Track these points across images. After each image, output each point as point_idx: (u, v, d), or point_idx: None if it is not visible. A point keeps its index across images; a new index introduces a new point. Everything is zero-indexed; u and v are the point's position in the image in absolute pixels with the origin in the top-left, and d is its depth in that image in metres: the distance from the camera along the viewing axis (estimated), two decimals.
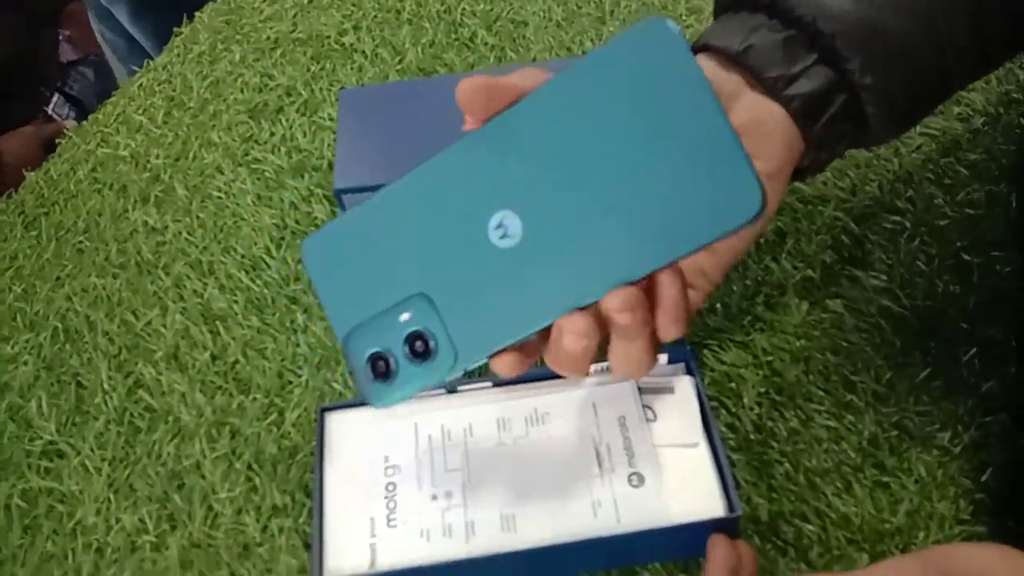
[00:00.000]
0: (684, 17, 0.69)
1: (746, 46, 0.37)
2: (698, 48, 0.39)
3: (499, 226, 0.31)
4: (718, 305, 0.52)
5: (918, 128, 0.58)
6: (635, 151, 0.30)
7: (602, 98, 0.30)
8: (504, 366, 0.33)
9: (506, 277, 0.32)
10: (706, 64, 0.38)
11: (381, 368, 0.33)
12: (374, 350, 0.33)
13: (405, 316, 0.33)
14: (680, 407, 0.45)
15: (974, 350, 0.49)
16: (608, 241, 0.30)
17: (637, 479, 0.43)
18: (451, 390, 0.47)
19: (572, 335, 0.31)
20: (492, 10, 0.73)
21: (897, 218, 0.54)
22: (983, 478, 0.45)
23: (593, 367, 0.46)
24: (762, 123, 0.37)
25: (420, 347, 0.33)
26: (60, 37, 1.18)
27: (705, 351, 0.51)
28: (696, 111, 0.29)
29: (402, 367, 0.33)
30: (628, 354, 0.32)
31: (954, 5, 0.37)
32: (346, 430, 0.46)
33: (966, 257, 0.52)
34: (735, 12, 0.39)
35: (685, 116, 0.29)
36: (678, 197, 0.30)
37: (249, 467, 0.49)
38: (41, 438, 0.53)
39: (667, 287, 0.31)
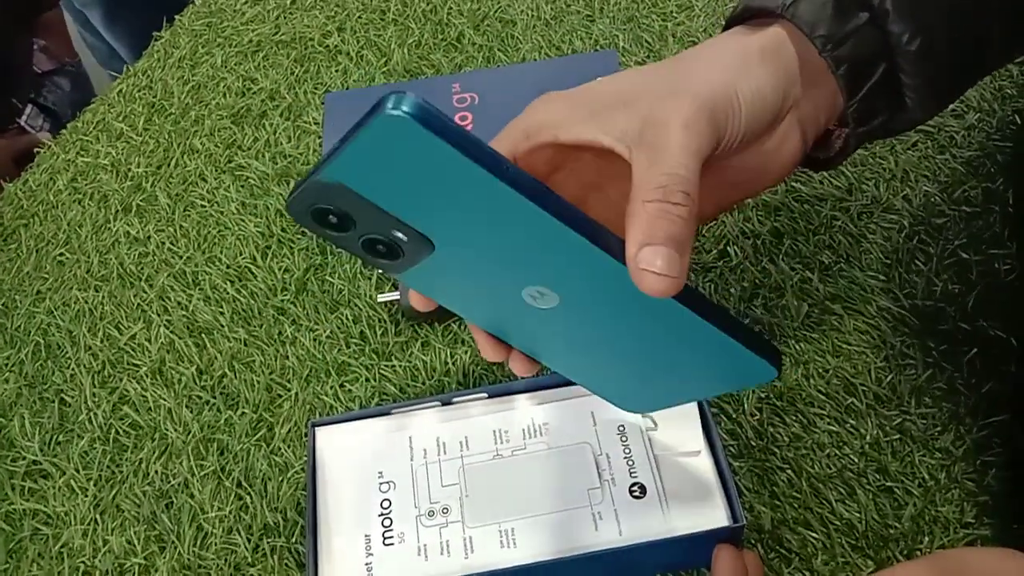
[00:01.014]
0: (675, 13, 0.68)
1: (793, 0, 0.34)
2: (735, 18, 0.37)
3: (538, 292, 0.30)
4: None
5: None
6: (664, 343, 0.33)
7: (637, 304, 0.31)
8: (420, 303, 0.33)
9: (509, 304, 0.31)
10: (741, 33, 0.36)
11: (330, 219, 0.28)
12: (343, 202, 0.27)
13: (398, 233, 0.28)
14: (680, 414, 0.44)
15: (975, 350, 0.48)
16: (624, 379, 0.35)
17: (639, 489, 0.42)
18: (446, 402, 0.46)
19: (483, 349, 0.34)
20: (479, 9, 0.72)
21: (894, 217, 0.54)
22: (986, 480, 0.44)
23: None
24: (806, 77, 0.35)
25: (383, 250, 0.29)
26: (35, 47, 1.15)
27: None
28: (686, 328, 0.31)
29: (350, 240, 0.29)
30: None
31: None
32: (338, 445, 0.45)
33: (964, 255, 0.52)
34: None
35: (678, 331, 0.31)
36: (701, 362, 0.33)
37: (239, 485, 0.48)
38: (24, 458, 0.51)
39: None
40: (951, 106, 0.58)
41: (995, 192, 0.54)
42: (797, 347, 0.50)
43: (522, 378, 0.43)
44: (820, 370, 0.49)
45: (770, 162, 0.36)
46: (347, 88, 0.68)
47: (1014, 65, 0.60)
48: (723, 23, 0.39)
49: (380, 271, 0.55)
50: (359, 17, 0.74)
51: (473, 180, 0.26)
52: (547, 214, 0.27)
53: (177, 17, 0.79)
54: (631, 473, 0.42)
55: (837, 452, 0.46)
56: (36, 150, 0.72)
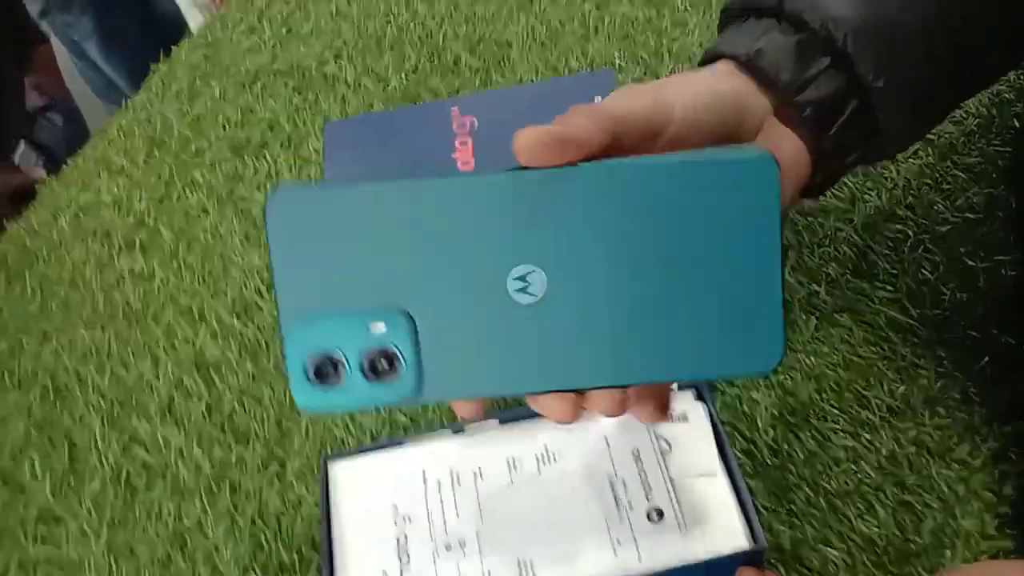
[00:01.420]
0: (670, 30, 0.68)
1: (756, 49, 0.36)
2: (709, 59, 0.38)
3: (522, 279, 0.30)
4: None
5: None
6: (682, 266, 0.30)
7: (675, 204, 0.29)
8: (466, 410, 0.32)
9: (509, 330, 0.30)
10: (726, 75, 0.37)
11: (326, 370, 0.30)
12: (324, 350, 0.29)
13: (378, 327, 0.30)
14: (695, 436, 0.44)
15: (986, 358, 0.48)
16: (619, 342, 0.30)
17: (656, 514, 0.41)
18: (457, 430, 0.46)
19: (553, 414, 0.31)
20: (475, 32, 0.72)
21: (899, 226, 0.54)
22: (1005, 490, 0.44)
23: None
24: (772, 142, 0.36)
25: (383, 366, 0.30)
26: (26, 84, 1.16)
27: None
28: (757, 254, 0.29)
29: (351, 378, 0.30)
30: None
31: None
32: (352, 480, 0.44)
33: (971, 262, 0.51)
34: (743, 21, 0.38)
35: (743, 254, 0.29)
36: (706, 326, 0.30)
37: (252, 523, 0.48)
38: (36, 503, 0.51)
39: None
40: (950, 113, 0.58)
41: (998, 198, 0.54)
42: (808, 361, 0.49)
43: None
44: (832, 384, 0.48)
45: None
46: (346, 116, 0.68)
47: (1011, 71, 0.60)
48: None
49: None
50: (356, 45, 0.74)
51: (387, 199, 0.27)
52: (470, 177, 0.27)
53: (174, 49, 0.80)
54: (648, 497, 0.42)
55: (853, 467, 0.46)
56: (36, 185, 0.72)
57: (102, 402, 0.55)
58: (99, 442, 0.53)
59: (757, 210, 0.29)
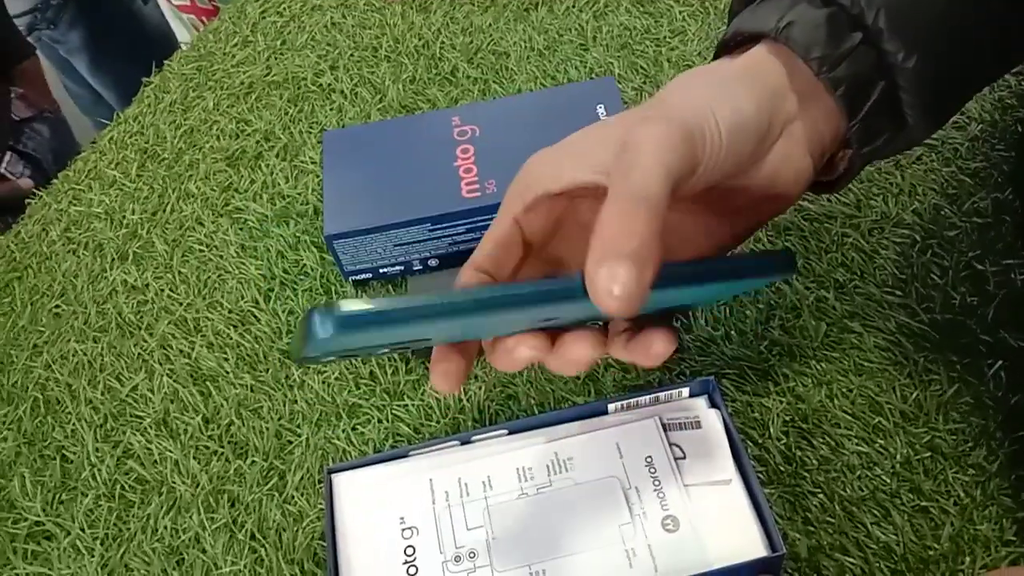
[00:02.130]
0: (668, 39, 0.68)
1: (787, 23, 0.34)
2: (726, 42, 0.37)
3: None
4: (733, 332, 0.50)
5: None
6: None
7: None
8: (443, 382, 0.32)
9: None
10: (722, 61, 0.36)
11: None
12: None
13: None
14: (709, 442, 0.43)
15: (999, 362, 0.47)
16: None
17: (672, 523, 0.40)
18: (465, 441, 0.44)
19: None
20: (472, 42, 0.72)
21: (906, 231, 0.53)
22: (1023, 495, 0.43)
23: (612, 405, 0.44)
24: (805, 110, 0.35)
25: None
26: (12, 95, 1.14)
27: (725, 381, 0.49)
28: None
29: None
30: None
31: None
32: (357, 491, 0.43)
33: (980, 266, 0.51)
34: (762, 1, 0.36)
35: None
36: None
37: (252, 537, 0.46)
38: (26, 519, 0.49)
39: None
40: (954, 119, 0.58)
41: (1004, 202, 0.54)
42: (819, 367, 0.49)
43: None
44: (844, 390, 0.48)
45: (778, 181, 0.35)
46: (343, 125, 0.68)
47: (1011, 75, 0.60)
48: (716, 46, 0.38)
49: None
50: (351, 55, 0.73)
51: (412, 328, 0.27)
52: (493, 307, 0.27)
53: (167, 62, 0.79)
54: (663, 506, 0.41)
55: (868, 473, 0.45)
56: (24, 196, 0.70)
57: (95, 416, 0.53)
58: (92, 456, 0.51)
59: None
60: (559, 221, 0.36)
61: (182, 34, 1.50)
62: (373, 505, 0.42)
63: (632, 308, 0.27)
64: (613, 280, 0.26)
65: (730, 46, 0.37)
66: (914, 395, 0.47)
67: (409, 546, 0.41)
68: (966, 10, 0.34)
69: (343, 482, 0.44)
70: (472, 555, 0.40)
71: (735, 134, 0.32)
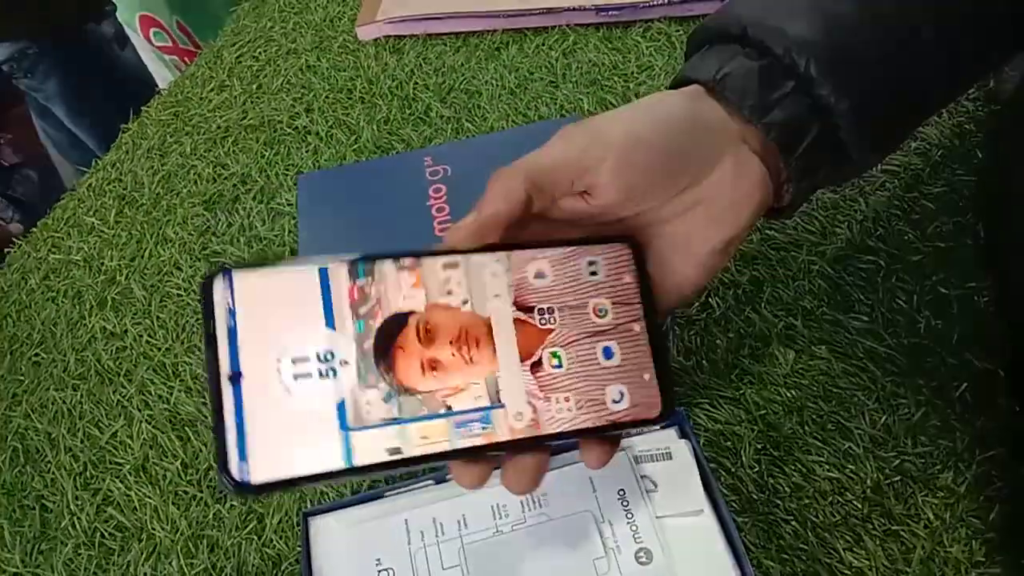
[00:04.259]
0: (636, 74, 0.69)
1: (722, 75, 0.37)
2: (678, 83, 0.39)
3: None
4: (704, 361, 0.51)
5: (880, 166, 0.59)
6: None
7: None
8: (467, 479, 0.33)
9: None
10: (687, 97, 0.37)
11: None
12: None
13: None
14: (680, 474, 0.43)
15: (964, 384, 0.48)
16: None
17: (645, 555, 0.41)
18: (439, 480, 0.45)
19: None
20: (444, 83, 0.73)
21: (871, 257, 0.54)
22: (991, 516, 0.44)
23: None
24: (738, 173, 0.37)
25: None
26: (1, 140, 1.15)
27: (696, 410, 0.49)
28: None
29: None
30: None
31: (918, 18, 0.37)
32: (333, 534, 0.43)
33: (943, 290, 0.52)
34: (709, 48, 0.39)
35: None
36: None
37: None
38: (5, 571, 0.49)
39: None
40: (914, 144, 0.59)
41: (966, 226, 0.55)
42: (789, 394, 0.49)
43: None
44: (814, 416, 0.48)
45: (736, 195, 0.37)
46: (318, 167, 0.69)
47: (969, 102, 0.61)
48: None
49: None
50: (326, 97, 0.74)
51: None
52: None
53: (144, 108, 0.80)
54: (635, 539, 0.41)
55: (840, 499, 0.45)
56: (7, 250, 0.71)
57: (74, 463, 0.53)
58: (72, 504, 0.51)
59: None
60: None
61: (164, 75, 1.51)
62: (349, 547, 0.43)
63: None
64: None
65: (676, 88, 0.39)
66: (883, 420, 0.48)
67: None
68: (896, 49, 0.36)
69: (320, 524, 0.44)
70: None
71: (634, 141, 0.36)
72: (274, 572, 0.46)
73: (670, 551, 0.41)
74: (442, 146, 0.64)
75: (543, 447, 0.33)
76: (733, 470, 0.47)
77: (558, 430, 0.33)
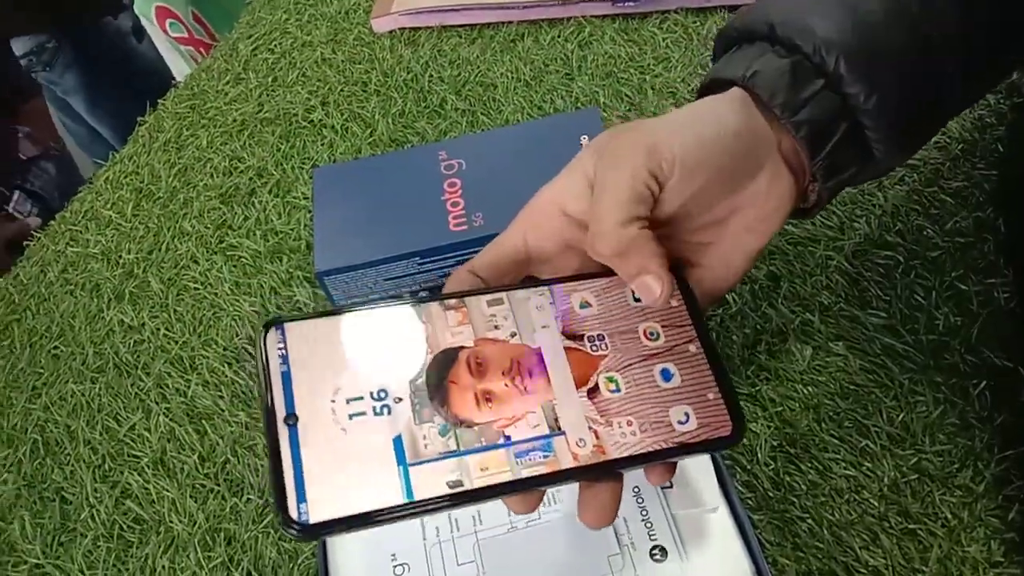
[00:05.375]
0: (652, 66, 0.69)
1: (752, 72, 0.36)
2: (707, 85, 0.39)
3: None
4: None
5: None
6: None
7: None
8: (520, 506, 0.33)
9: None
10: (738, 104, 0.37)
11: None
12: None
13: None
14: (695, 471, 0.43)
15: (984, 382, 0.48)
16: None
17: (660, 553, 0.41)
18: None
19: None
20: (459, 75, 0.73)
21: (889, 252, 0.54)
22: (1010, 516, 0.44)
23: None
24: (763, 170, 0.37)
25: None
26: (19, 134, 1.16)
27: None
28: None
29: None
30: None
31: (943, 15, 0.36)
32: None
33: (963, 286, 0.52)
34: (738, 48, 0.39)
35: None
36: None
37: (248, 575, 0.47)
38: (26, 562, 0.50)
39: None
40: (935, 139, 0.59)
41: (986, 221, 0.54)
42: (805, 391, 0.49)
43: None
44: (831, 413, 0.48)
45: (770, 204, 0.37)
46: (334, 160, 0.69)
47: (992, 95, 0.61)
48: (699, 72, 0.40)
49: None
50: (341, 90, 0.74)
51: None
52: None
53: (160, 101, 0.80)
54: (650, 536, 0.41)
55: (856, 497, 0.45)
56: (26, 243, 0.71)
57: (93, 456, 0.54)
58: (91, 497, 0.52)
59: None
60: (567, 245, 0.37)
61: (181, 67, 1.52)
62: (365, 542, 0.43)
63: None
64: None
65: (707, 88, 0.39)
66: (900, 417, 0.47)
67: None
68: (923, 47, 0.36)
69: None
70: None
71: (698, 153, 0.35)
72: (291, 566, 0.47)
73: (685, 548, 0.41)
74: (457, 139, 0.64)
75: (616, 476, 0.33)
76: (749, 467, 0.47)
77: (625, 454, 0.33)
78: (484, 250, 0.37)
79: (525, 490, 0.32)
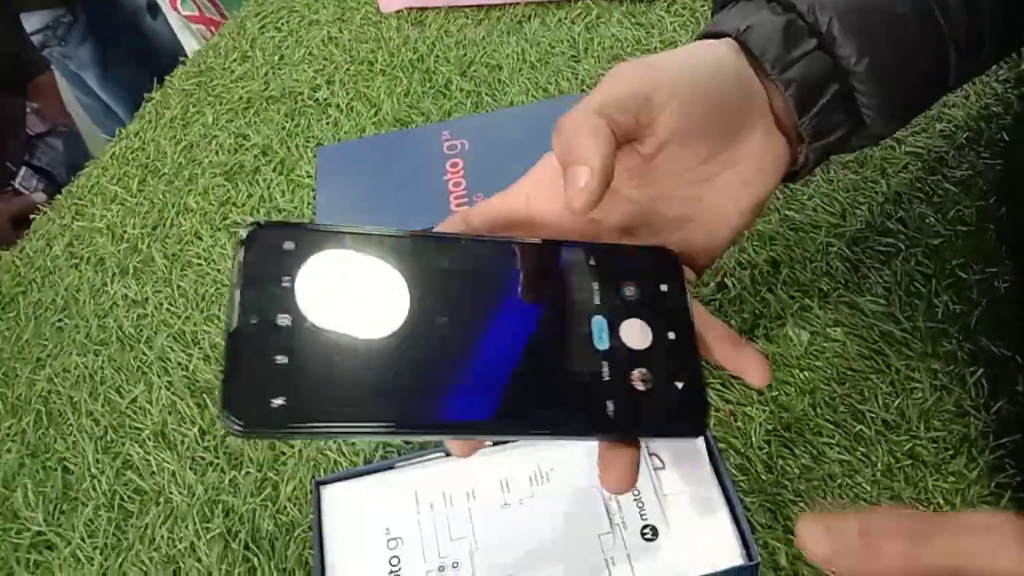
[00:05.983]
0: (659, 50, 0.69)
1: (746, 26, 0.36)
2: (705, 35, 0.39)
3: None
4: None
5: (903, 147, 0.58)
6: None
7: None
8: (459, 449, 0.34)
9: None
10: (732, 51, 0.37)
11: None
12: None
13: None
14: (688, 452, 0.43)
15: (981, 370, 0.48)
16: None
17: (651, 532, 0.41)
18: (448, 453, 0.45)
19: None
20: (465, 55, 0.73)
21: (890, 240, 0.54)
22: (1003, 503, 0.44)
23: None
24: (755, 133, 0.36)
25: None
26: (27, 110, 1.16)
27: (708, 390, 0.49)
28: None
29: None
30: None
31: None
32: (344, 503, 0.44)
33: (963, 275, 0.51)
34: (735, 4, 0.39)
35: None
36: None
37: (246, 547, 0.47)
38: (29, 529, 0.51)
39: None
40: (939, 127, 0.58)
41: (989, 210, 0.54)
42: (802, 376, 0.49)
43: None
44: (827, 398, 0.48)
45: (766, 158, 0.37)
46: (338, 140, 0.69)
47: (998, 83, 0.60)
48: None
49: None
50: (347, 69, 0.74)
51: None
52: None
53: (168, 78, 0.80)
54: (642, 516, 0.41)
55: (849, 481, 0.45)
56: (32, 216, 0.72)
57: (95, 427, 0.55)
58: (92, 467, 0.53)
59: None
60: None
61: (191, 44, 1.52)
62: (359, 516, 0.43)
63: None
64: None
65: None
66: (896, 403, 0.47)
67: (394, 556, 0.42)
68: (919, 15, 0.36)
69: (331, 493, 0.45)
70: (455, 565, 0.41)
71: (694, 88, 0.35)
72: (287, 538, 0.47)
73: (676, 529, 0.41)
74: (460, 120, 0.64)
75: (633, 441, 0.33)
76: (742, 450, 0.47)
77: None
78: (484, 204, 0.37)
79: None
